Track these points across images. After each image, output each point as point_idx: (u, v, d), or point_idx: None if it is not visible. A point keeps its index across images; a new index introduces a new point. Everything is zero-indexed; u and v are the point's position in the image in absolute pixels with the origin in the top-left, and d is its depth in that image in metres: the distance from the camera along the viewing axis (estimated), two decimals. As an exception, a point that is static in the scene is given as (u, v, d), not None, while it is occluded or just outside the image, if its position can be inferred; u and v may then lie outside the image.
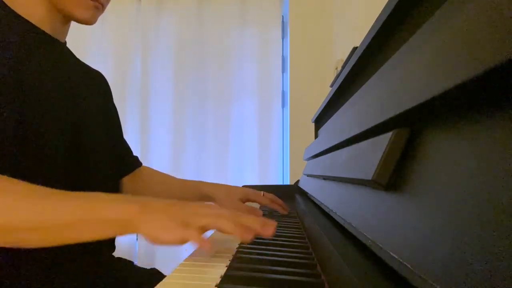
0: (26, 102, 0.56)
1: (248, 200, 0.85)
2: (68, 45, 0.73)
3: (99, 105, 0.77)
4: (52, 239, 0.45)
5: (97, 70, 0.84)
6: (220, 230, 0.44)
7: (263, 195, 0.85)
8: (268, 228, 0.45)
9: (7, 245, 0.45)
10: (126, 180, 0.88)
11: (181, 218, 0.44)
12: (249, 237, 0.44)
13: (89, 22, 0.66)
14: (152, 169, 0.95)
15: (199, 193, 0.87)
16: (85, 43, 1.81)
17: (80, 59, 0.79)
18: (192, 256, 0.47)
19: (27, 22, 0.61)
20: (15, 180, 0.45)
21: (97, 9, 0.66)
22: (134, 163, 0.91)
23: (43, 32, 0.63)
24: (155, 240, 0.43)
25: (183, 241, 0.42)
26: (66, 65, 0.69)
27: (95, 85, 0.79)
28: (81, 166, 0.65)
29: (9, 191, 0.43)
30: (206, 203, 0.85)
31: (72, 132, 0.64)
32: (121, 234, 0.45)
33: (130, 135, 1.80)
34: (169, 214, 0.44)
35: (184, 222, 0.43)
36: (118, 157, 0.84)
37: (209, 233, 0.64)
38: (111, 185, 0.79)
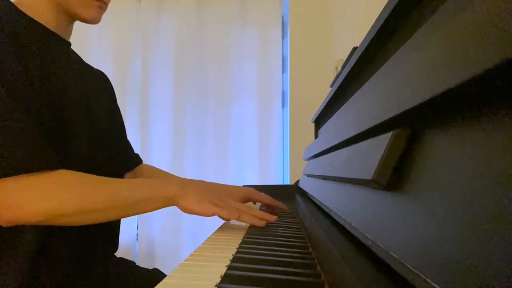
0: (52, 101, 0.59)
1: (250, 199, 0.85)
2: (69, 45, 0.74)
3: (105, 104, 0.80)
4: (121, 214, 0.59)
5: (100, 70, 0.85)
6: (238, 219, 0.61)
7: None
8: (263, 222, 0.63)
9: (86, 223, 0.56)
10: (128, 177, 0.89)
11: (210, 197, 0.61)
12: (262, 224, 0.63)
13: (94, 21, 0.68)
14: (153, 167, 0.97)
15: None
16: (85, 43, 1.80)
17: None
18: (192, 256, 0.47)
19: (36, 22, 0.62)
20: (81, 173, 0.56)
21: (101, 9, 0.68)
22: (135, 160, 0.92)
23: (52, 32, 0.64)
24: (187, 210, 0.59)
25: (212, 214, 0.59)
26: (74, 64, 0.70)
27: (100, 85, 0.81)
28: (94, 164, 0.68)
29: (83, 181, 0.55)
30: None
31: (88, 129, 0.67)
32: (166, 206, 0.60)
33: (130, 135, 1.78)
34: (201, 192, 0.61)
35: (212, 201, 0.60)
36: (121, 154, 0.86)
37: (210, 230, 0.65)
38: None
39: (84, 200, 0.53)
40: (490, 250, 0.14)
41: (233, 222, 0.71)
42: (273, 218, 0.67)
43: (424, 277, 0.18)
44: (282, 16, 1.85)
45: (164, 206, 0.60)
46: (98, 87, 0.79)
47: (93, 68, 0.82)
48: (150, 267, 0.83)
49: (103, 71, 0.87)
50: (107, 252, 0.76)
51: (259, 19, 1.83)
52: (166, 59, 1.83)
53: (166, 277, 0.38)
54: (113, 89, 0.88)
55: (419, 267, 0.19)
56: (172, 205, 0.61)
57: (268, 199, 0.85)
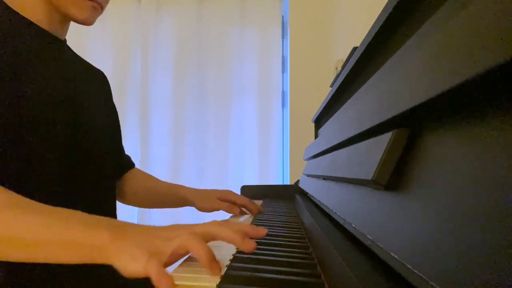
0: (26, 100, 0.57)
1: (226, 199, 0.86)
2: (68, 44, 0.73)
3: (100, 102, 0.78)
4: (17, 255, 0.43)
5: (99, 69, 0.85)
6: (192, 251, 0.40)
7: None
8: (248, 243, 0.42)
9: None
10: (119, 183, 0.88)
11: (151, 245, 0.40)
12: (209, 267, 0.39)
13: (86, 22, 0.66)
14: (139, 170, 0.95)
15: (179, 196, 0.88)
16: (85, 43, 1.81)
17: (80, 58, 0.79)
18: (192, 256, 0.47)
19: (26, 20, 0.61)
20: (1, 188, 0.44)
21: (95, 9, 0.66)
22: (126, 165, 0.91)
23: (43, 30, 0.64)
24: (125, 273, 0.39)
25: (145, 274, 0.37)
26: (67, 61, 0.70)
27: (96, 83, 0.80)
28: (81, 164, 0.66)
29: None
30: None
31: (74, 128, 0.65)
32: (90, 261, 0.41)
33: (130, 135, 1.80)
34: (139, 241, 0.40)
35: (154, 250, 0.39)
36: (117, 157, 0.85)
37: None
38: (110, 184, 0.80)
39: None
40: (490, 250, 0.14)
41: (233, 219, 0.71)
42: (262, 231, 0.47)
43: (424, 277, 0.18)
44: (282, 16, 1.85)
45: (86, 261, 0.41)
46: (96, 86, 0.78)
47: (91, 66, 0.82)
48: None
49: (103, 70, 0.87)
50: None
51: (259, 19, 1.83)
52: (166, 59, 1.83)
53: (166, 277, 0.37)
54: (109, 87, 0.86)
55: (419, 267, 0.19)
56: (101, 262, 0.41)
57: (246, 200, 0.85)
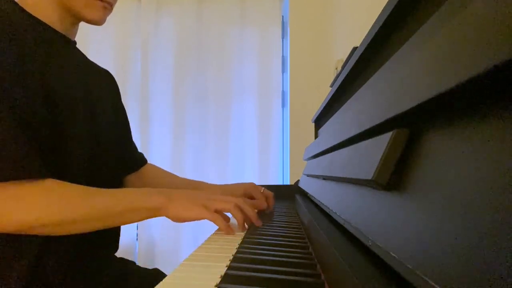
0: (53, 102, 0.58)
1: (250, 196, 0.86)
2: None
3: (111, 104, 0.80)
4: (104, 225, 0.57)
5: (105, 69, 0.85)
6: (229, 212, 0.62)
7: (262, 191, 0.86)
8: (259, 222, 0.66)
9: (67, 234, 0.55)
10: (132, 177, 0.89)
11: (199, 201, 0.60)
12: (243, 229, 0.63)
13: (98, 22, 0.68)
14: (156, 167, 0.96)
15: None
16: (85, 43, 1.80)
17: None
18: (192, 256, 0.47)
19: (40, 22, 0.62)
20: (66, 183, 0.55)
21: (106, 9, 0.67)
22: (139, 161, 0.92)
23: (57, 32, 0.64)
24: (179, 219, 0.59)
25: (201, 218, 0.59)
26: (79, 63, 0.70)
27: (106, 84, 0.81)
28: (97, 164, 0.68)
29: (66, 192, 0.54)
30: None
31: (91, 130, 0.67)
32: (153, 217, 0.59)
33: (130, 135, 1.80)
34: (189, 198, 0.60)
35: (202, 204, 0.59)
36: (125, 155, 0.86)
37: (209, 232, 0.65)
38: (118, 181, 0.82)
39: (65, 211, 0.52)
40: (490, 250, 0.14)
41: (234, 221, 0.71)
42: (259, 223, 0.66)
43: (424, 277, 0.18)
44: (282, 16, 1.85)
45: (149, 217, 0.59)
46: (103, 87, 0.79)
47: (98, 67, 0.82)
48: (150, 267, 0.83)
49: (104, 70, 0.88)
50: (108, 252, 0.76)
51: (259, 19, 1.83)
52: (166, 59, 1.83)
53: (166, 277, 0.38)
54: (118, 88, 0.88)
55: (419, 267, 0.19)
56: (159, 216, 0.59)
57: (263, 203, 0.84)
